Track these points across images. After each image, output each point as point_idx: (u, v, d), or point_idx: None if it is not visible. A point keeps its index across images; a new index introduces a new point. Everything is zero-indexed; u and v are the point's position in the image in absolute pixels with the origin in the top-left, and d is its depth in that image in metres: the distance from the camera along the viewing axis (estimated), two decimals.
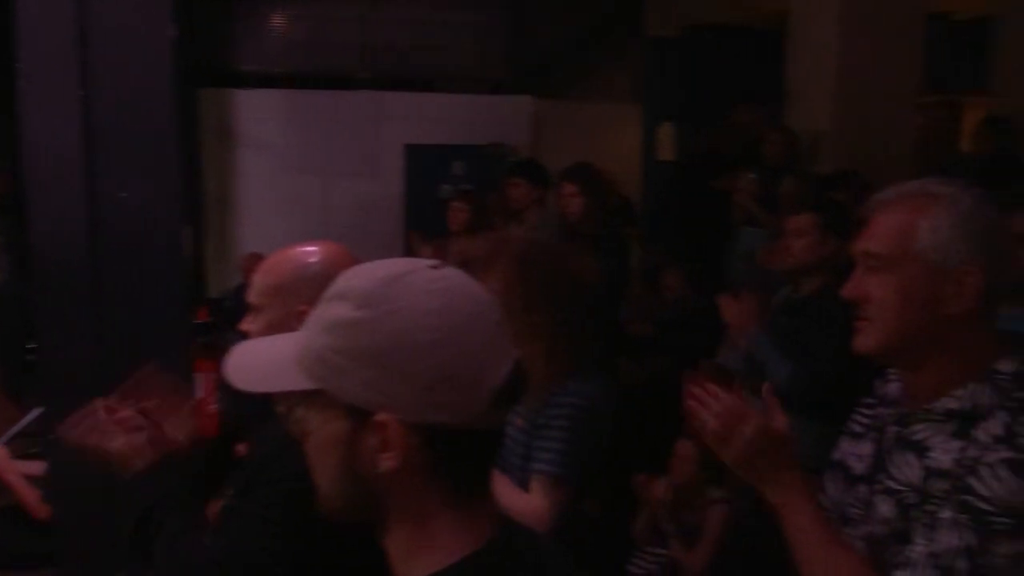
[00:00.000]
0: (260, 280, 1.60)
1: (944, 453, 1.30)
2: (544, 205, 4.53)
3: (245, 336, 1.55)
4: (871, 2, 5.14)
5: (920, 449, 1.34)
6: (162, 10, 2.25)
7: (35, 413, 2.38)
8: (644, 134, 6.99)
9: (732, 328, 3.16)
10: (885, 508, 1.37)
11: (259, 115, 6.85)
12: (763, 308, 3.07)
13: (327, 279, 0.95)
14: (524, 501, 1.90)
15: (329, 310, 0.90)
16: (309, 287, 1.44)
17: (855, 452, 1.49)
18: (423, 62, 7.30)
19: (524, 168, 4.81)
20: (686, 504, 3.22)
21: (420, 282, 0.89)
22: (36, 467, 2.15)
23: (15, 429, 2.41)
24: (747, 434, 1.35)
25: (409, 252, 5.39)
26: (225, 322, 4.59)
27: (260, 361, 0.98)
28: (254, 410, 1.58)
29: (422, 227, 5.73)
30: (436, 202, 6.45)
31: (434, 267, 0.91)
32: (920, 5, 5.29)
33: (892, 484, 1.37)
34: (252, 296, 1.61)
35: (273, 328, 1.50)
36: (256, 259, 2.38)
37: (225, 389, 1.99)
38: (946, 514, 1.24)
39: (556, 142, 6.76)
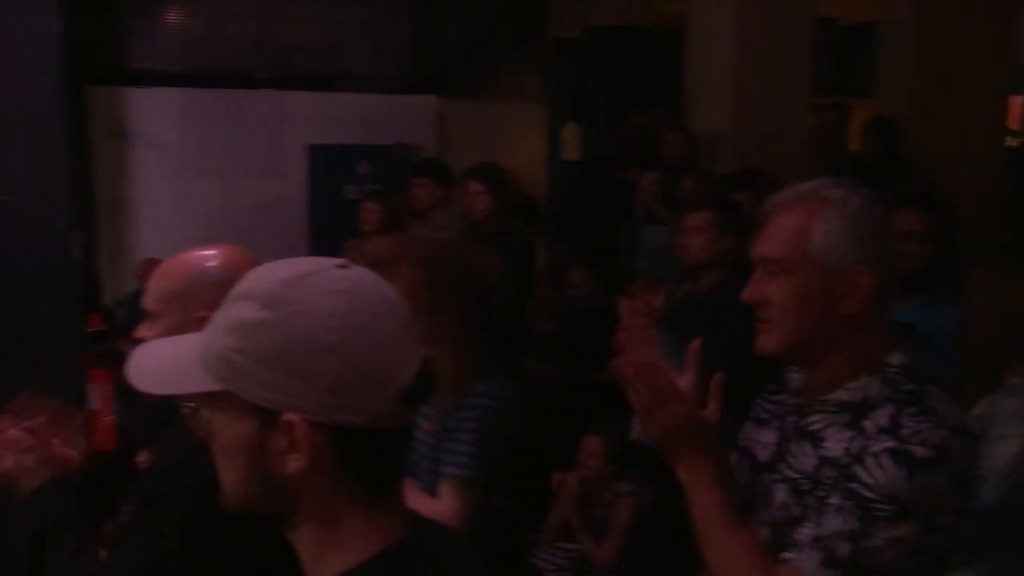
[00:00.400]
0: (156, 285, 1.56)
1: (836, 443, 1.36)
2: (449, 205, 4.52)
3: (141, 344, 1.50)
4: (765, 5, 5.30)
5: (815, 439, 1.40)
6: (49, 5, 2.16)
7: None
8: (549, 134, 7.06)
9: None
10: (782, 494, 1.43)
11: (154, 114, 6.63)
12: (663, 305, 3.12)
13: (226, 283, 0.93)
14: (435, 505, 1.90)
15: (233, 310, 0.89)
16: (207, 292, 1.40)
17: (760, 440, 1.54)
18: (325, 61, 7.19)
19: (429, 168, 4.79)
20: (594, 498, 3.27)
21: (325, 282, 0.88)
22: None
23: None
24: (674, 414, 1.37)
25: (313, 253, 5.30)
26: (120, 330, 4.44)
27: (163, 363, 0.96)
28: (153, 420, 1.53)
29: (326, 229, 5.65)
30: (340, 203, 6.36)
31: (341, 267, 0.91)
32: (810, 9, 5.49)
33: (790, 473, 1.43)
34: (148, 302, 1.56)
35: (171, 335, 1.45)
36: (152, 264, 2.31)
37: (122, 399, 1.92)
38: (833, 500, 1.30)
39: (462, 142, 6.76)
